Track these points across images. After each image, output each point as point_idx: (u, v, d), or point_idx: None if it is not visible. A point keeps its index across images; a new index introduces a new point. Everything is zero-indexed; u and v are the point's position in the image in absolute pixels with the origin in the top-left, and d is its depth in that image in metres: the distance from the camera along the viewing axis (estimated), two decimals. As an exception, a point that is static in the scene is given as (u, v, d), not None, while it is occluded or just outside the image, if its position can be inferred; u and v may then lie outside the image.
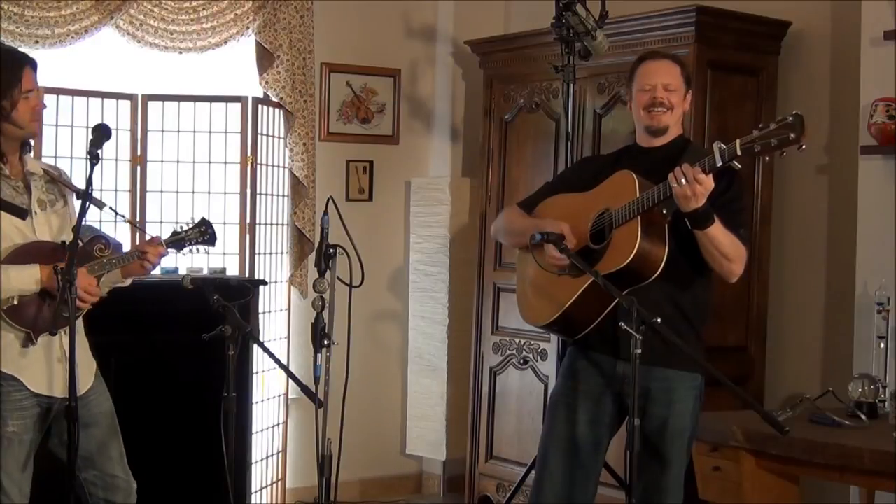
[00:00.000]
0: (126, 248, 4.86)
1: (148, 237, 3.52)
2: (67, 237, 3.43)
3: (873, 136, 4.33)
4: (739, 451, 3.88)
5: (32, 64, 3.39)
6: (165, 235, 3.57)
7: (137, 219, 5.16)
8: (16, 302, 3.26)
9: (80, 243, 3.26)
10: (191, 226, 3.57)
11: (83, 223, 3.31)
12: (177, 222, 3.65)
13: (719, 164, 3.13)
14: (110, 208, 3.53)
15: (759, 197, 4.85)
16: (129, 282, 3.58)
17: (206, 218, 3.61)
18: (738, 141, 3.10)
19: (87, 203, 3.25)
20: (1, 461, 3.26)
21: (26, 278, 3.25)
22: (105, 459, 3.45)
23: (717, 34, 4.78)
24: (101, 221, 4.55)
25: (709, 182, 3.15)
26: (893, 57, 4.27)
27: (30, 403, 3.31)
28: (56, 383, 3.31)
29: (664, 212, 3.25)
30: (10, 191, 3.34)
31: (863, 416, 3.93)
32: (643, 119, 3.50)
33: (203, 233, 3.57)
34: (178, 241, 3.54)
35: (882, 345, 4.15)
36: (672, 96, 3.47)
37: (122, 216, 3.75)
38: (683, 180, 3.14)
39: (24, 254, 3.28)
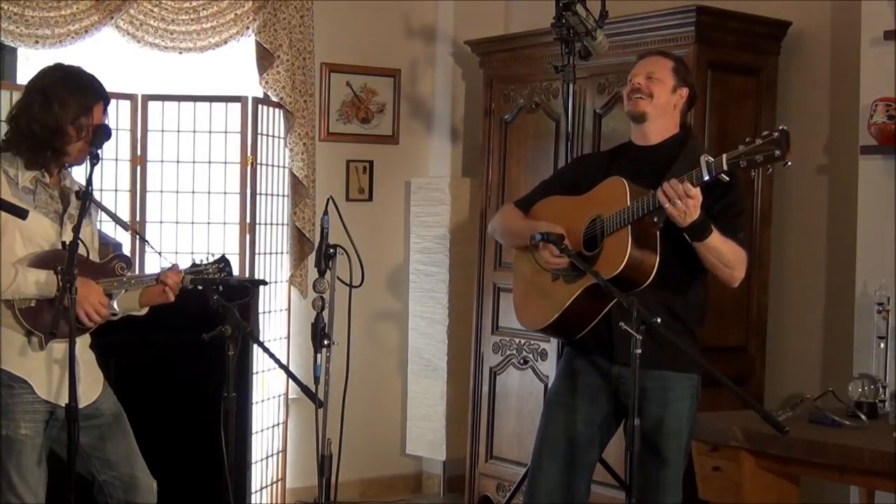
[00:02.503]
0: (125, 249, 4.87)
1: (168, 265, 3.48)
2: (92, 251, 3.45)
3: (873, 136, 4.33)
4: (739, 451, 3.88)
5: (106, 102, 3.42)
6: (183, 265, 3.53)
7: (137, 219, 5.17)
8: (33, 304, 3.26)
9: (86, 248, 3.25)
10: (210, 261, 3.52)
11: (112, 239, 3.29)
12: (193, 252, 3.59)
13: (706, 178, 3.14)
14: (137, 234, 3.54)
15: (759, 197, 4.85)
16: (145, 311, 3.54)
17: (226, 255, 3.58)
18: (724, 155, 3.12)
19: (87, 203, 3.25)
20: (14, 464, 3.26)
21: (45, 283, 3.23)
22: (122, 460, 3.45)
23: (717, 34, 4.78)
24: (101, 221, 4.55)
25: (699, 194, 3.16)
26: (893, 57, 4.27)
27: (41, 407, 3.31)
28: (63, 392, 3.30)
29: (655, 220, 3.25)
30: (47, 197, 3.36)
31: (863, 416, 3.93)
32: (625, 106, 3.55)
33: (221, 269, 3.51)
34: (197, 272, 3.49)
35: (882, 345, 4.15)
36: (653, 85, 3.48)
37: (148, 243, 3.71)
38: (678, 200, 3.15)
39: (51, 259, 3.27)
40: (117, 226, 3.74)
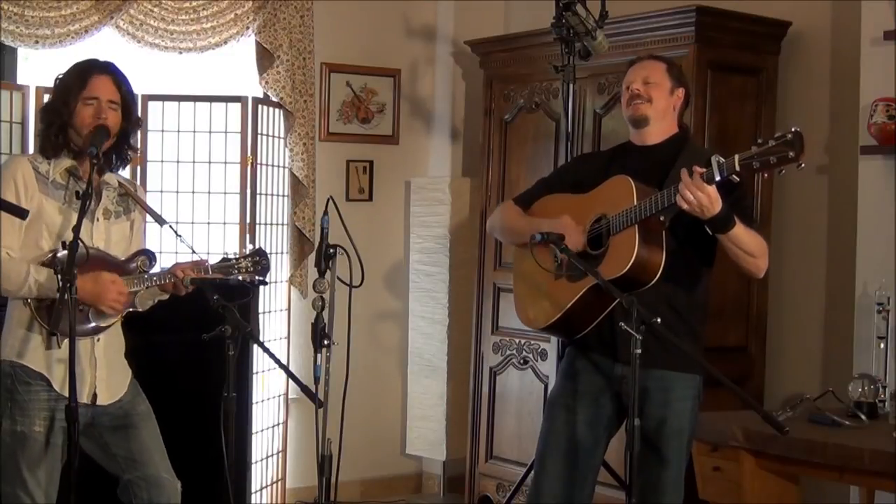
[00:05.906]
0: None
1: (196, 257, 3.43)
2: (122, 250, 3.45)
3: (873, 136, 4.33)
4: (739, 451, 3.88)
5: (107, 71, 3.40)
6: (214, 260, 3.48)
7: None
8: (49, 302, 3.25)
9: (85, 248, 3.24)
10: (244, 254, 3.45)
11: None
12: (193, 252, 3.50)
13: (717, 178, 3.11)
14: (171, 227, 3.54)
15: (759, 197, 4.84)
16: (167, 296, 3.50)
17: (263, 248, 3.52)
18: (736, 156, 3.08)
19: (88, 203, 3.24)
20: (26, 460, 3.25)
21: (54, 283, 3.20)
22: (147, 460, 3.44)
23: (717, 34, 4.78)
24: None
25: (714, 191, 3.13)
26: (893, 57, 4.27)
27: (56, 405, 3.29)
28: (83, 389, 3.29)
29: (661, 219, 3.25)
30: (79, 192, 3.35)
31: (863, 416, 3.94)
32: (625, 112, 3.53)
33: (256, 262, 3.43)
34: (226, 268, 3.45)
35: (882, 345, 4.15)
36: (651, 89, 3.47)
37: (181, 236, 3.66)
38: (692, 198, 3.13)
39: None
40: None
